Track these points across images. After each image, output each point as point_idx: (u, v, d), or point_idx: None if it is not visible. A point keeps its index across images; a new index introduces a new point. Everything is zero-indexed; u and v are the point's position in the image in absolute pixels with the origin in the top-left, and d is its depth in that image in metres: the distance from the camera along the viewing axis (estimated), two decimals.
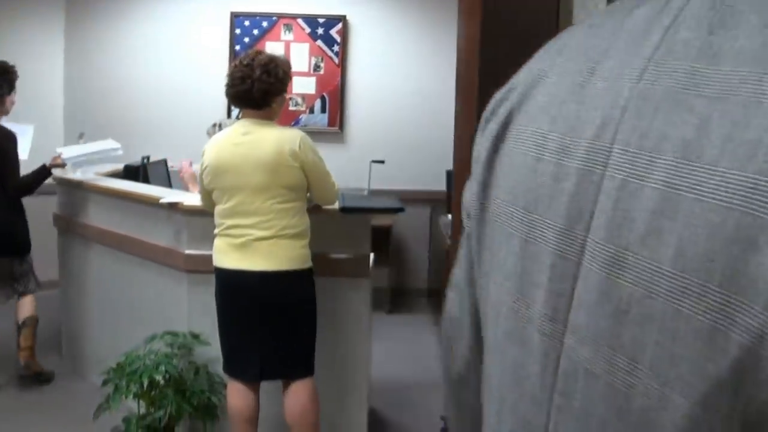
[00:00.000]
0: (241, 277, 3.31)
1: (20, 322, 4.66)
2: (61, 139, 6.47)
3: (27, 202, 6.49)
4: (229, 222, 3.32)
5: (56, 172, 4.94)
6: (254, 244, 3.29)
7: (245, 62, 3.37)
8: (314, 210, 3.53)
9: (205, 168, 3.36)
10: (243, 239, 3.29)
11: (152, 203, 4.04)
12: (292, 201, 3.34)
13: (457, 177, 1.45)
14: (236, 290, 3.35)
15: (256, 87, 3.34)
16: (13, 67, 4.91)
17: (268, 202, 3.28)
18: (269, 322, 3.33)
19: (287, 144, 3.30)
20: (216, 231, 3.40)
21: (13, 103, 4.93)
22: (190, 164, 4.26)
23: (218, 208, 3.37)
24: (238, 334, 3.39)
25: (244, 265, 3.30)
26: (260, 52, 3.46)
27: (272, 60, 3.43)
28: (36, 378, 4.67)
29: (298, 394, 3.40)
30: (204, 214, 3.57)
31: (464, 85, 1.45)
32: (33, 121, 6.55)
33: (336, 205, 3.70)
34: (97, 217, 4.59)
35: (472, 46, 1.40)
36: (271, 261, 3.29)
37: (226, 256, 3.34)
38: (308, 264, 3.41)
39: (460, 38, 1.47)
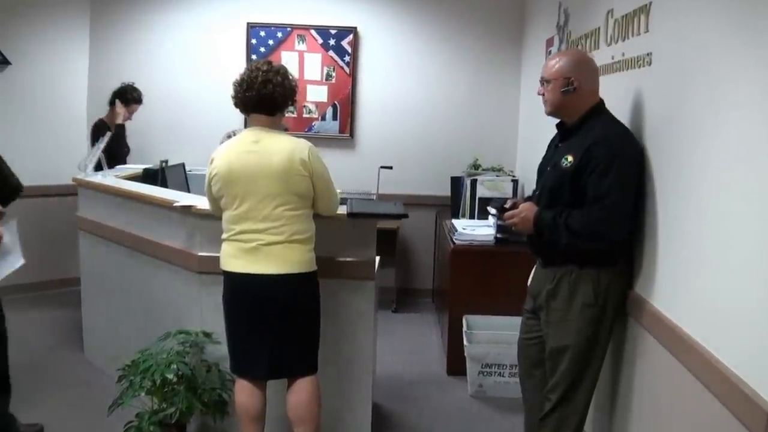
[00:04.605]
0: (252, 280, 3.26)
1: None
2: (85, 142, 6.45)
3: (50, 202, 6.53)
4: (239, 227, 3.27)
5: (78, 175, 5.00)
6: (265, 249, 3.24)
7: (264, 68, 3.31)
8: (322, 216, 3.48)
9: (215, 175, 3.31)
10: (253, 244, 3.25)
11: (167, 206, 4.01)
12: (301, 208, 3.30)
13: None
14: (247, 293, 3.30)
15: (278, 92, 3.30)
16: (126, 88, 6.19)
17: (279, 209, 3.24)
18: (278, 323, 3.29)
19: (298, 153, 3.25)
20: (224, 236, 3.35)
21: (124, 113, 6.13)
22: None
23: (227, 214, 3.32)
24: (247, 334, 3.34)
25: (255, 268, 3.25)
26: (270, 62, 3.41)
27: (284, 68, 3.39)
28: None
29: (301, 391, 3.36)
30: (216, 217, 3.52)
31: None
32: (58, 125, 6.58)
33: (343, 211, 3.65)
34: (115, 218, 4.55)
35: None
36: (281, 265, 3.25)
37: (237, 260, 3.29)
38: (314, 267, 3.37)
39: None
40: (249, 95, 3.29)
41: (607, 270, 3.09)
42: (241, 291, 3.31)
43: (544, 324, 3.25)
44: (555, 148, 3.28)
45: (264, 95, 3.28)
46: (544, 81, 3.19)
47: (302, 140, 3.35)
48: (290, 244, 3.26)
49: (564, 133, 3.24)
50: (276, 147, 3.26)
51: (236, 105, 3.41)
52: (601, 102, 3.18)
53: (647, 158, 3.08)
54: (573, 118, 3.16)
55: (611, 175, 2.93)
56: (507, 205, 3.35)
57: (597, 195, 2.96)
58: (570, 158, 3.05)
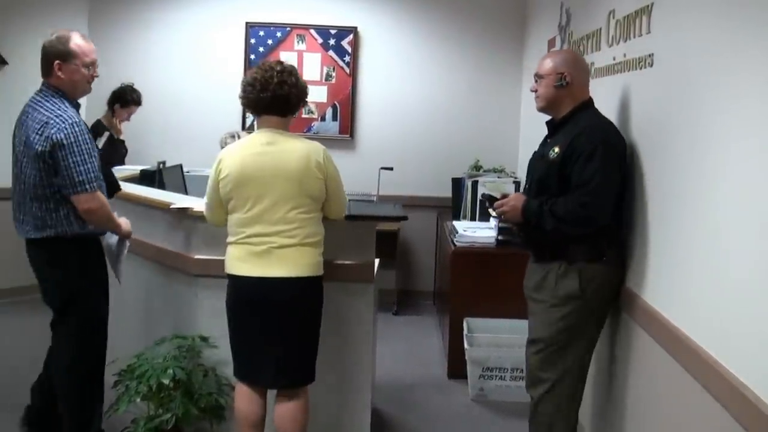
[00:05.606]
0: (261, 283, 3.22)
1: None
2: None
3: None
4: (250, 230, 3.22)
5: None
6: (276, 252, 3.20)
7: (278, 68, 3.28)
8: (324, 218, 3.45)
9: (225, 177, 3.25)
10: (264, 247, 3.20)
11: (163, 208, 3.98)
12: (313, 211, 3.28)
13: None
14: (255, 296, 3.25)
15: (293, 93, 3.28)
16: (125, 89, 6.24)
17: (292, 212, 3.21)
18: (286, 326, 3.25)
19: (313, 156, 3.23)
20: (232, 239, 3.30)
21: (121, 116, 6.26)
22: None
23: (235, 217, 3.27)
24: (254, 338, 3.29)
25: (264, 272, 3.20)
26: (282, 62, 3.39)
27: (296, 69, 3.37)
28: None
29: (291, 400, 3.32)
30: (210, 222, 3.50)
31: None
32: None
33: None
34: None
35: None
36: (293, 267, 3.21)
37: (244, 263, 3.24)
38: (322, 271, 3.35)
39: None
40: (263, 96, 3.25)
41: (596, 264, 3.15)
42: (249, 295, 3.26)
43: (530, 316, 3.33)
44: (544, 144, 3.38)
45: (279, 96, 3.25)
46: (537, 77, 3.31)
47: (315, 142, 3.34)
48: (302, 247, 3.23)
49: (553, 128, 3.34)
50: (290, 149, 3.23)
51: (246, 105, 3.38)
52: (590, 100, 3.29)
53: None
54: (563, 113, 3.26)
55: (594, 162, 3.04)
56: (497, 195, 3.48)
57: (580, 181, 3.06)
58: (557, 149, 3.17)
